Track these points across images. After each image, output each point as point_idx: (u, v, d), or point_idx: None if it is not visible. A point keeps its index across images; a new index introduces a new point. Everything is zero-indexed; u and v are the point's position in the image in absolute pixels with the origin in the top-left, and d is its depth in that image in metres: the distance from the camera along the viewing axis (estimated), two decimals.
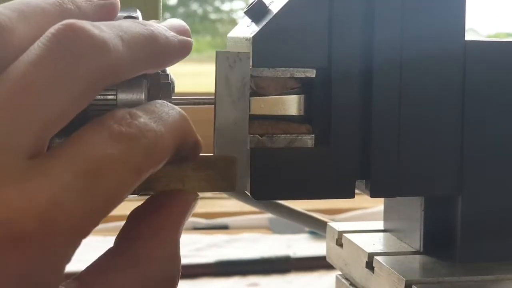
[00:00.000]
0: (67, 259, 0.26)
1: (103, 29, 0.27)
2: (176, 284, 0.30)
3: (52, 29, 0.27)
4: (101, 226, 0.28)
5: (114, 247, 0.30)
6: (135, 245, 0.30)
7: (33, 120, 0.25)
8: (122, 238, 0.30)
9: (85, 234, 0.26)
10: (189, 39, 0.32)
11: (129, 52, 0.28)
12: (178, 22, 0.32)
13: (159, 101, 0.30)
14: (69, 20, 0.27)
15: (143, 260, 0.29)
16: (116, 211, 0.28)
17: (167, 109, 0.30)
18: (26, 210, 0.24)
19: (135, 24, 0.29)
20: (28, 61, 0.26)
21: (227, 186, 0.33)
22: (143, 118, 0.28)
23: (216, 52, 0.34)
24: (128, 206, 0.30)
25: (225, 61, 0.34)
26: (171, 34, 0.31)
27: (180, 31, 0.32)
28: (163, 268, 0.30)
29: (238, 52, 0.35)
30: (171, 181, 0.32)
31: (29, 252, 0.24)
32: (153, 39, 0.30)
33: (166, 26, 0.31)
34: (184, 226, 0.31)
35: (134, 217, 0.31)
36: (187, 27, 0.32)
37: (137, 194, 0.31)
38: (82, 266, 0.29)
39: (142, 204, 0.31)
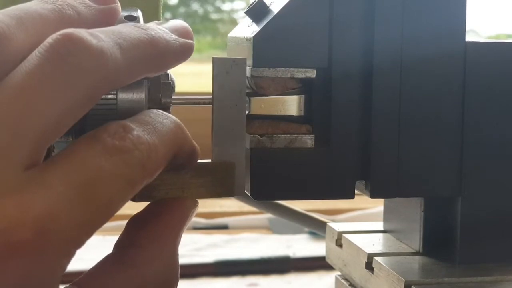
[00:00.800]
0: (62, 269, 0.26)
1: (101, 38, 0.27)
2: None
3: (50, 39, 0.27)
4: None
5: (113, 254, 0.30)
6: (134, 253, 0.30)
7: (31, 131, 0.25)
8: (121, 245, 0.31)
9: (79, 245, 0.26)
10: (190, 41, 0.32)
11: (128, 59, 0.28)
12: (180, 23, 0.32)
13: (154, 110, 0.30)
14: (67, 29, 0.27)
15: (142, 268, 0.30)
16: None
17: (162, 119, 0.30)
18: (22, 220, 0.24)
19: (135, 29, 0.29)
20: (25, 72, 0.26)
21: (226, 191, 0.33)
22: (136, 131, 0.28)
23: (213, 58, 0.34)
24: (129, 205, 0.30)
25: (222, 68, 0.34)
26: (172, 37, 0.31)
27: (182, 33, 0.31)
28: (161, 275, 0.30)
29: (235, 58, 0.34)
30: (171, 189, 0.32)
31: (25, 262, 0.25)
32: (152, 44, 0.29)
33: (167, 28, 0.31)
34: None
35: (133, 225, 0.31)
36: (189, 28, 0.32)
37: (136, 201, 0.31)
38: (81, 264, 0.29)
39: (141, 212, 0.32)
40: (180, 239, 0.31)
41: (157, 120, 0.29)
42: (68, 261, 0.26)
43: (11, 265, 0.24)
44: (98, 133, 0.27)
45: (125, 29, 0.29)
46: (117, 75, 0.28)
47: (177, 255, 0.31)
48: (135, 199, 0.30)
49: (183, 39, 0.31)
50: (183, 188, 0.32)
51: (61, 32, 0.27)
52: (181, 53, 0.31)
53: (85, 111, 0.27)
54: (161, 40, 0.30)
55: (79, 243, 0.26)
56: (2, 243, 0.24)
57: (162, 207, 0.31)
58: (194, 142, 0.31)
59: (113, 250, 0.30)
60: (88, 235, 0.26)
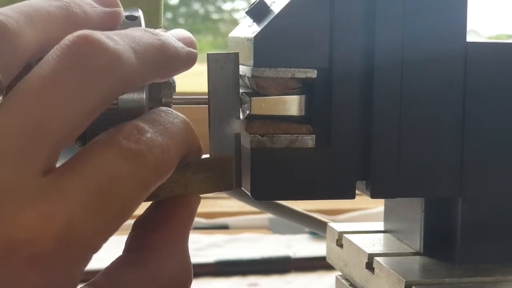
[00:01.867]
0: (80, 273, 0.26)
1: (117, 41, 0.27)
2: None
3: (66, 41, 0.26)
4: None
5: (126, 257, 0.30)
6: (146, 256, 0.30)
7: (48, 137, 0.25)
8: (131, 248, 0.31)
9: (97, 249, 0.26)
10: (195, 50, 0.32)
11: (142, 64, 0.28)
12: (185, 33, 0.32)
13: (163, 108, 0.30)
14: (83, 31, 0.27)
15: (155, 270, 0.30)
16: None
17: (172, 118, 0.30)
18: (44, 230, 0.24)
19: (146, 34, 0.29)
20: (42, 75, 0.26)
21: (226, 185, 0.34)
22: (150, 133, 0.28)
23: (207, 54, 0.35)
24: None
25: (216, 63, 0.35)
26: (179, 45, 0.31)
27: (187, 43, 0.32)
28: (176, 277, 0.30)
29: (228, 53, 0.35)
30: (174, 187, 0.32)
31: (47, 271, 0.25)
32: (163, 50, 0.29)
33: (173, 36, 0.31)
34: None
35: (141, 227, 0.31)
36: (193, 38, 0.32)
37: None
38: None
39: (146, 213, 0.32)
40: (189, 236, 0.31)
41: (168, 120, 0.29)
42: (85, 265, 0.26)
43: (32, 275, 0.24)
44: (112, 135, 0.27)
45: (137, 34, 0.29)
46: (132, 78, 0.28)
47: (188, 254, 0.31)
48: None
49: (188, 48, 0.31)
50: (186, 185, 0.32)
51: (78, 33, 0.27)
52: (187, 61, 0.31)
53: (99, 114, 0.27)
54: (170, 47, 0.30)
55: (97, 248, 0.26)
56: (25, 255, 0.24)
57: (168, 208, 0.31)
58: (199, 140, 0.31)
59: (123, 252, 0.30)
60: (105, 239, 0.27)
